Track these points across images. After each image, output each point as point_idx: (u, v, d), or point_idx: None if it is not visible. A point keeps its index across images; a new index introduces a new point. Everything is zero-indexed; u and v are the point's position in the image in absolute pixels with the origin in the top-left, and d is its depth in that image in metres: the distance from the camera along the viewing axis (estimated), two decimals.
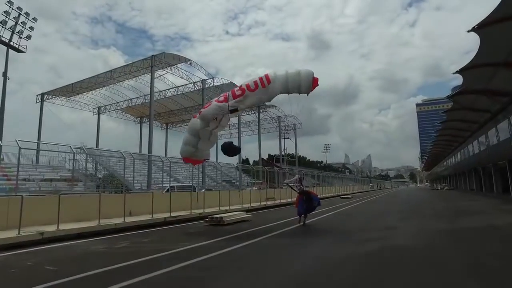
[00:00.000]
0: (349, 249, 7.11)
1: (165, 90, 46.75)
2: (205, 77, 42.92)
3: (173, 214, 14.02)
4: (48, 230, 9.20)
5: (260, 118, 59.09)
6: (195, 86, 43.70)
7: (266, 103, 54.30)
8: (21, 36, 30.68)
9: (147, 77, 42.83)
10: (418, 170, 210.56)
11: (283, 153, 69.31)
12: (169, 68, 40.35)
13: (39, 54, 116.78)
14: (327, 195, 38.74)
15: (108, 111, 52.21)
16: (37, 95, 44.68)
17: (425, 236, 8.26)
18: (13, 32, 29.97)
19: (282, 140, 67.00)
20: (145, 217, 12.85)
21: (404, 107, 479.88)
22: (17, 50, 31.13)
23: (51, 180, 30.37)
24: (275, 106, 57.04)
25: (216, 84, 45.39)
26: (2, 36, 29.64)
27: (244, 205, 20.32)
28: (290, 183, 13.20)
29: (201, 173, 43.80)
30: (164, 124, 63.95)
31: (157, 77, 39.91)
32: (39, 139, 43.26)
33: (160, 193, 17.66)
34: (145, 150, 59.22)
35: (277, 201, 25.36)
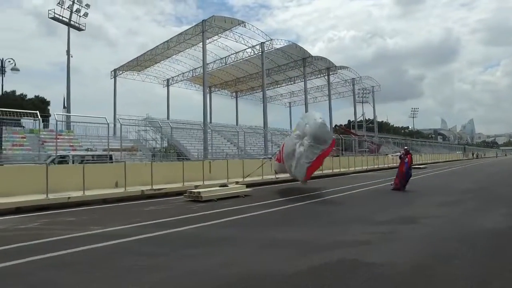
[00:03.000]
0: None
1: (225, 57, 45.32)
2: (264, 40, 39.92)
3: (163, 186, 12.44)
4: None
5: (331, 81, 54.18)
6: (253, 50, 41.15)
7: (336, 65, 49.49)
8: (79, 14, 31.88)
9: (208, 45, 41.91)
10: None
11: (360, 118, 63.42)
12: (225, 33, 38.48)
13: (132, 36, 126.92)
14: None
15: (176, 82, 53.27)
16: (110, 71, 47.52)
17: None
18: (71, 12, 31.22)
19: (360, 104, 61.17)
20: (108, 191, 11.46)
21: None
22: (78, 29, 32.57)
23: (111, 149, 31.67)
24: (347, 67, 51.49)
25: (277, 46, 42.17)
26: (63, 16, 31.08)
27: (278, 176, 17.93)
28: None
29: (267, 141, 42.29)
30: (234, 93, 63.48)
31: (209, 43, 38.50)
32: (114, 112, 46.43)
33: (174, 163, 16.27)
34: (215, 120, 60.21)
35: (332, 171, 22.27)
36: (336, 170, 23.47)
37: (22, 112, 25.97)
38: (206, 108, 35.50)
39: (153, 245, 5.57)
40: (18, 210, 9.14)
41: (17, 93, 40.69)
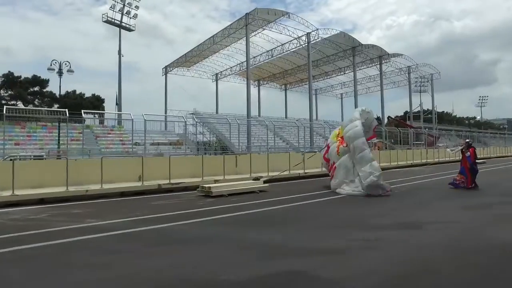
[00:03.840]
0: None
1: (271, 50, 44.77)
2: (309, 30, 38.68)
3: (181, 180, 12.54)
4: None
5: (385, 70, 50.99)
6: (299, 41, 40.10)
7: (389, 52, 46.35)
8: (130, 16, 33.57)
9: (254, 38, 41.85)
10: None
11: (418, 109, 59.06)
12: (269, 25, 37.97)
13: (189, 33, 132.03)
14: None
15: (225, 77, 53.99)
16: (162, 68, 49.61)
17: None
18: (122, 14, 32.99)
19: (418, 94, 56.93)
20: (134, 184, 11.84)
21: None
22: (128, 30, 34.37)
23: (158, 143, 33.04)
24: (402, 55, 48.06)
25: (324, 36, 40.65)
26: (114, 19, 32.97)
27: (307, 171, 17.28)
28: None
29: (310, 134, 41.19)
30: (283, 86, 62.83)
31: (253, 36, 38.26)
32: (165, 108, 48.54)
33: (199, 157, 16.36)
34: (264, 112, 60.15)
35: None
36: (385, 164, 22.02)
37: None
38: (249, 101, 35.39)
39: (128, 241, 5.55)
40: (42, 201, 9.84)
41: (77, 92, 44.43)
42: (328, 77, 56.19)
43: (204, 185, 10.72)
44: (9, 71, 38.27)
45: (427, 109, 60.46)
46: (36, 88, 39.48)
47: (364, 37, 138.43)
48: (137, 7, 33.64)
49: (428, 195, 9.79)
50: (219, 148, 35.59)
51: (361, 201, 9.17)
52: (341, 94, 64.78)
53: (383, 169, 20.08)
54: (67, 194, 10.25)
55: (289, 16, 36.02)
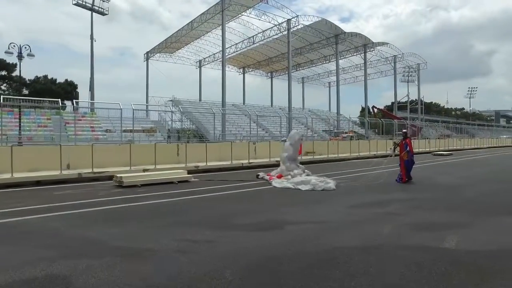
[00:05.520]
0: None
1: (253, 36, 43.82)
2: (289, 16, 37.71)
3: (107, 169, 12.03)
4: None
5: (371, 59, 50.19)
6: (279, 28, 39.16)
7: (373, 41, 45.38)
8: None
9: (233, 24, 40.91)
10: None
11: (405, 99, 58.53)
12: (248, 11, 37.01)
13: (184, 19, 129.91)
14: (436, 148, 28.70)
15: (208, 63, 53.05)
16: (144, 54, 48.64)
17: None
18: None
19: (412, 84, 56.21)
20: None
21: None
22: (102, 13, 33.36)
23: (130, 130, 32.36)
24: (387, 43, 47.20)
25: (305, 23, 39.72)
26: (86, 2, 31.93)
27: (273, 159, 16.93)
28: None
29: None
30: (269, 73, 61.96)
31: (231, 21, 37.32)
32: (147, 94, 47.75)
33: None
34: (251, 100, 59.37)
35: (324, 156, 20.46)
36: (343, 155, 21.53)
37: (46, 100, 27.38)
38: (225, 89, 34.70)
39: None
40: (38, 183, 10.42)
41: (49, 77, 43.47)
42: (314, 65, 55.34)
43: (117, 175, 10.19)
44: None
45: (415, 99, 59.87)
46: (4, 73, 38.58)
47: (361, 26, 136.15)
48: None
49: (341, 190, 9.24)
50: (193, 136, 35.05)
51: (266, 195, 8.69)
52: (329, 83, 63.94)
53: (340, 159, 19.98)
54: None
55: (267, 2, 35.01)
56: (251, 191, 9.41)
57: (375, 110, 54.01)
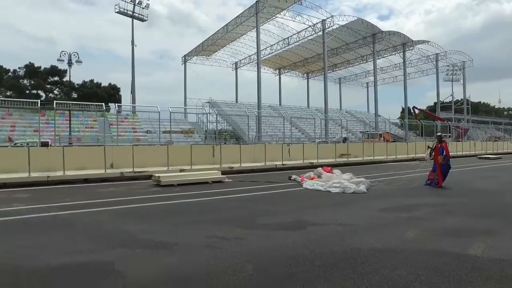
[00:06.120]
0: None
1: (288, 38, 43.94)
2: (324, 17, 37.47)
3: (147, 169, 12.78)
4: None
5: (410, 58, 48.50)
6: (314, 29, 39.00)
7: (413, 39, 43.79)
8: (141, 6, 34.22)
9: (268, 26, 41.35)
10: None
11: (449, 99, 55.85)
12: (282, 13, 37.24)
13: (220, 21, 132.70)
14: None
15: (244, 65, 53.80)
16: (181, 57, 50.33)
17: None
18: (134, 4, 33.70)
19: (456, 84, 53.67)
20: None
21: None
22: (141, 20, 35.10)
23: (169, 132, 33.71)
24: (428, 41, 45.35)
25: (341, 23, 39.25)
26: (127, 10, 33.77)
27: (306, 161, 17.26)
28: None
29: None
30: (305, 74, 61.68)
31: (266, 23, 37.67)
32: (185, 96, 49.38)
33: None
34: (288, 101, 59.44)
35: (359, 158, 20.20)
36: (379, 157, 21.14)
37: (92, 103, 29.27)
38: (260, 92, 35.06)
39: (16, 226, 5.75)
40: (85, 180, 11.49)
41: (95, 81, 46.36)
42: (351, 65, 54.41)
43: (155, 175, 10.86)
44: (29, 62, 40.82)
45: (461, 99, 56.94)
46: (56, 78, 41.79)
47: (401, 23, 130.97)
48: None
49: (372, 193, 9.21)
50: (229, 137, 35.80)
51: (295, 197, 8.90)
52: (367, 83, 62.46)
53: (376, 162, 19.59)
54: (30, 179, 10.82)
55: (301, 3, 35.01)
56: (281, 192, 9.66)
57: (416, 111, 52.03)
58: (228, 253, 4.22)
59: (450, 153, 11.20)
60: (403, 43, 44.13)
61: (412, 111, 51.63)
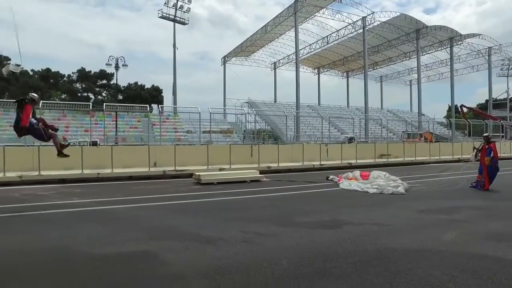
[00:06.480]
0: None
1: (327, 36, 43.43)
2: (364, 14, 36.65)
3: (187, 167, 13.34)
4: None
5: (458, 53, 45.99)
6: (353, 27, 38.26)
7: (462, 33, 41.46)
8: (183, 10, 35.47)
9: (307, 25, 41.19)
10: None
11: (503, 96, 52.28)
12: (321, 11, 36.94)
13: (259, 22, 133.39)
14: None
15: (283, 65, 53.87)
16: (221, 58, 51.42)
17: None
18: (176, 9, 35.03)
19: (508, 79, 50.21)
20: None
21: None
22: (182, 23, 36.37)
23: (208, 132, 34.62)
24: (479, 35, 42.74)
25: (382, 19, 38.13)
26: (169, 14, 35.16)
27: (344, 161, 17.26)
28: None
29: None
30: (345, 73, 60.55)
31: (305, 22, 37.49)
32: (224, 97, 50.41)
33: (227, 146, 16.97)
34: (328, 100, 58.76)
35: (399, 159, 19.62)
36: (421, 158, 20.39)
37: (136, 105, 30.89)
38: (299, 91, 35.04)
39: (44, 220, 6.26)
40: (130, 178, 12.28)
41: (139, 83, 48.86)
42: (393, 62, 52.63)
43: (196, 173, 11.34)
44: (81, 67, 44.08)
45: None
46: (104, 81, 44.59)
47: (449, 16, 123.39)
48: (189, 1, 35.31)
49: (411, 194, 9.00)
50: (267, 137, 36.08)
51: (331, 197, 8.93)
52: (410, 81, 60.04)
53: (417, 162, 18.90)
54: (82, 176, 11.79)
55: (340, 0, 34.49)
56: (318, 192, 9.74)
57: (464, 109, 49.13)
58: (264, 248, 4.44)
59: (503, 154, 10.61)
60: (450, 38, 41.93)
61: (459, 109, 48.79)
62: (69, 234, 5.17)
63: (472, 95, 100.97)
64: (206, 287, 3.27)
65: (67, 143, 9.39)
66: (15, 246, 4.55)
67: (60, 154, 7.55)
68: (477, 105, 62.93)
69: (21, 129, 6.80)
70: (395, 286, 3.28)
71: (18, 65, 7.96)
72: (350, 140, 28.80)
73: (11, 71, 8.22)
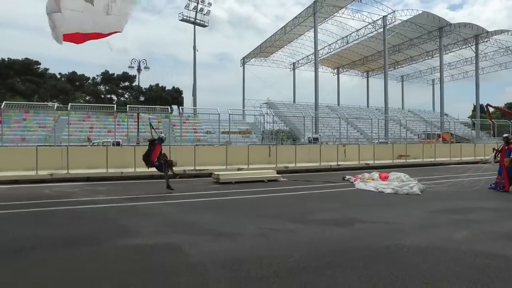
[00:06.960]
0: None
1: (347, 36, 43.15)
2: (385, 13, 36.26)
3: (205, 167, 13.73)
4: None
5: (483, 50, 44.64)
6: (374, 26, 37.89)
7: (488, 30, 40.20)
8: (203, 13, 36.14)
9: (326, 25, 41.10)
10: None
11: None
12: (341, 11, 36.79)
13: (279, 22, 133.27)
14: None
15: (302, 65, 53.83)
16: (240, 60, 51.92)
17: None
18: (196, 12, 35.72)
19: None
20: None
21: None
22: (202, 26, 37.06)
23: (227, 132, 35.07)
24: (508, 31, 41.30)
25: (403, 18, 37.60)
26: (189, 17, 35.89)
27: (362, 162, 17.28)
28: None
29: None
30: (365, 73, 59.86)
31: (324, 22, 37.40)
32: (243, 97, 50.88)
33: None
34: (348, 100, 58.21)
35: (418, 159, 19.43)
36: (441, 159, 20.11)
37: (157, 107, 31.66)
38: (317, 91, 35.03)
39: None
40: (151, 177, 12.31)
41: (160, 85, 50.19)
42: (414, 62, 51.68)
43: (215, 173, 11.72)
44: (105, 70, 45.63)
45: None
46: (127, 83, 45.98)
47: (477, 11, 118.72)
48: (209, 3, 35.94)
49: (426, 195, 9.03)
50: (286, 137, 36.24)
51: (346, 196, 9.09)
52: (433, 80, 58.71)
53: (437, 164, 18.63)
54: (107, 174, 12.40)
55: (360, 0, 34.24)
56: (333, 191, 9.90)
57: (490, 109, 47.61)
58: (278, 243, 4.73)
59: None
60: (476, 35, 40.82)
61: (485, 109, 47.36)
62: (97, 228, 5.61)
63: (500, 93, 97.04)
64: (223, 273, 3.59)
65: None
66: (56, 236, 5.01)
67: (169, 187, 9.26)
68: (505, 104, 60.80)
69: (150, 162, 9.13)
70: (400, 278, 3.48)
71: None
72: (315, 140, 28.20)
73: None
